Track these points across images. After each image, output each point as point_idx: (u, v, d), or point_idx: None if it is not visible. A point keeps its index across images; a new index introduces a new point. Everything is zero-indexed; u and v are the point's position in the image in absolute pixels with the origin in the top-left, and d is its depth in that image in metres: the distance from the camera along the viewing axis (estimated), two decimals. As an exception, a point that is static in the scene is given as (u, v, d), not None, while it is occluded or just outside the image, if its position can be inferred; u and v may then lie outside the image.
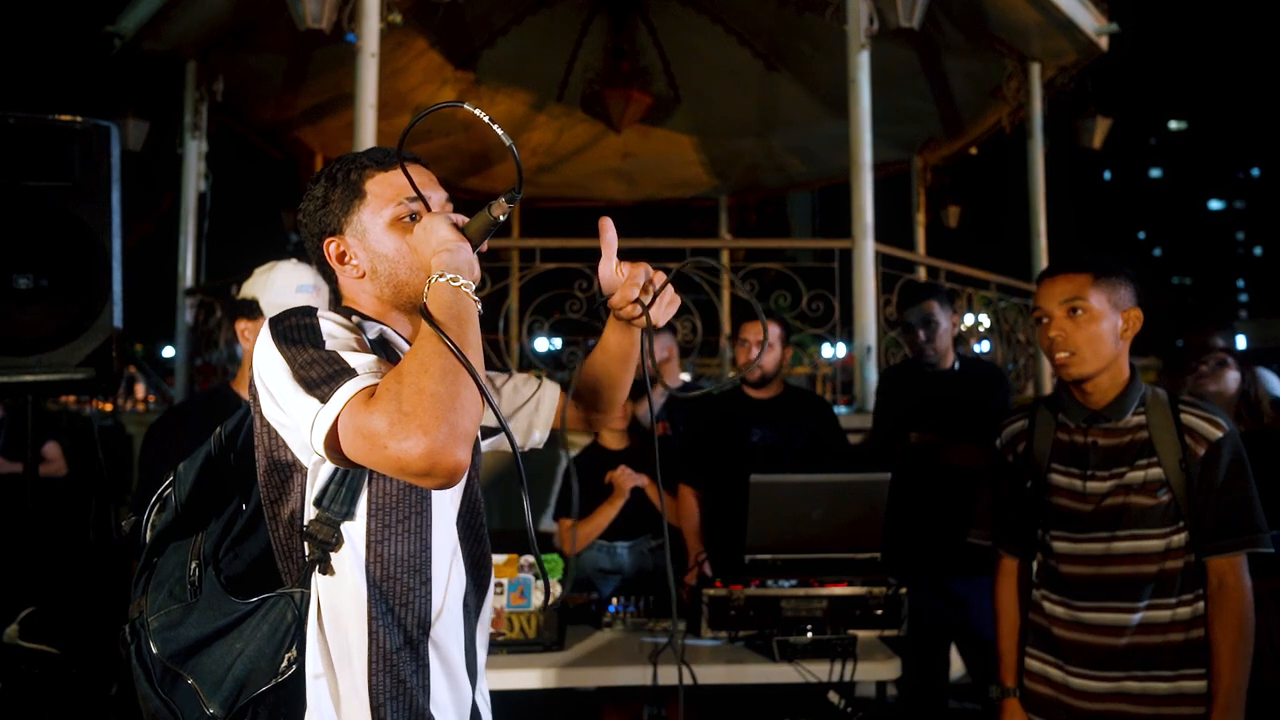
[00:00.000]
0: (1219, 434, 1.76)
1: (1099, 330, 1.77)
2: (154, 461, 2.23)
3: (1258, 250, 64.01)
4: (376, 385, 0.99)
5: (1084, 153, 6.86)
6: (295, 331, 1.08)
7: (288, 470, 1.12)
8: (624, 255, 1.33)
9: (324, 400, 0.99)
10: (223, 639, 1.13)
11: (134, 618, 1.22)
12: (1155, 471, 1.78)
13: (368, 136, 4.27)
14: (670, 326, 4.15)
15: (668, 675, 2.24)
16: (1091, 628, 1.79)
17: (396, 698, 1.09)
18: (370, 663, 1.09)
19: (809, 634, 2.32)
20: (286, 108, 6.55)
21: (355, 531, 1.11)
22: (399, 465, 0.94)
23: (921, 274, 5.68)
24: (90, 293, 1.97)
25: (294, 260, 2.09)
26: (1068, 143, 6.76)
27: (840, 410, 5.31)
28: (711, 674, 2.30)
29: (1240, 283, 63.63)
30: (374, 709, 1.08)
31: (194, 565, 1.20)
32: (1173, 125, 64.20)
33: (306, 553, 1.11)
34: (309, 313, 1.11)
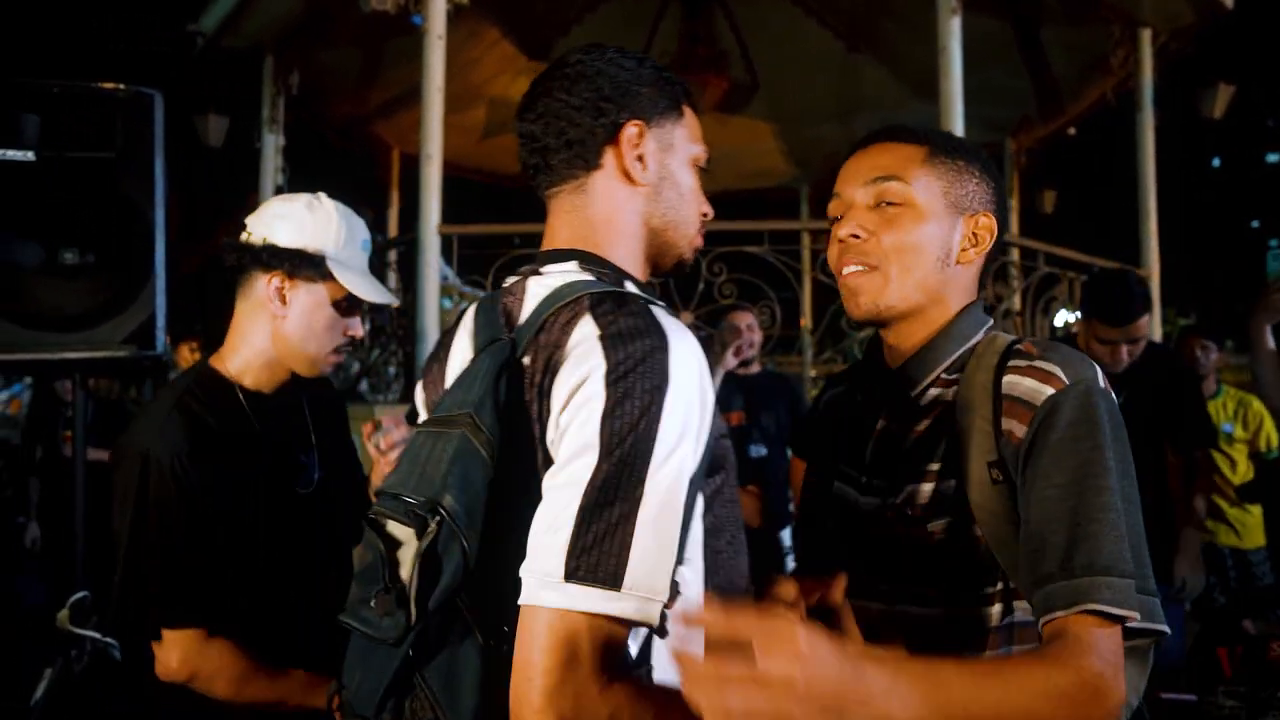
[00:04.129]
0: (1049, 391, 0.96)
1: (920, 236, 1.06)
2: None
3: (1386, 241, 59.67)
4: (623, 630, 0.79)
5: (1198, 131, 6.36)
6: (635, 380, 0.81)
7: None
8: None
9: (572, 573, 0.78)
10: None
11: None
12: (942, 487, 1.02)
13: (435, 121, 4.21)
14: (745, 308, 3.96)
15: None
16: None
17: None
18: None
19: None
20: (361, 102, 6.59)
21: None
22: None
23: (1015, 255, 5.31)
24: (134, 268, 1.91)
25: (324, 196, 1.60)
26: (1179, 119, 6.27)
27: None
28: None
29: (1366, 276, 59.46)
30: None
31: None
32: (1289, 109, 60.36)
33: None
34: (662, 346, 0.83)
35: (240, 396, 1.53)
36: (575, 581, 0.78)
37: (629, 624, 0.79)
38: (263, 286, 1.51)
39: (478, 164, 7.79)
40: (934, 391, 1.07)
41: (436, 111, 4.21)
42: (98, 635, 2.04)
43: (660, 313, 0.87)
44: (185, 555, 1.41)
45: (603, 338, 0.84)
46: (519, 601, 0.80)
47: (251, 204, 6.82)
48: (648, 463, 0.80)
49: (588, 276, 0.95)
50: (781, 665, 0.66)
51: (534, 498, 0.83)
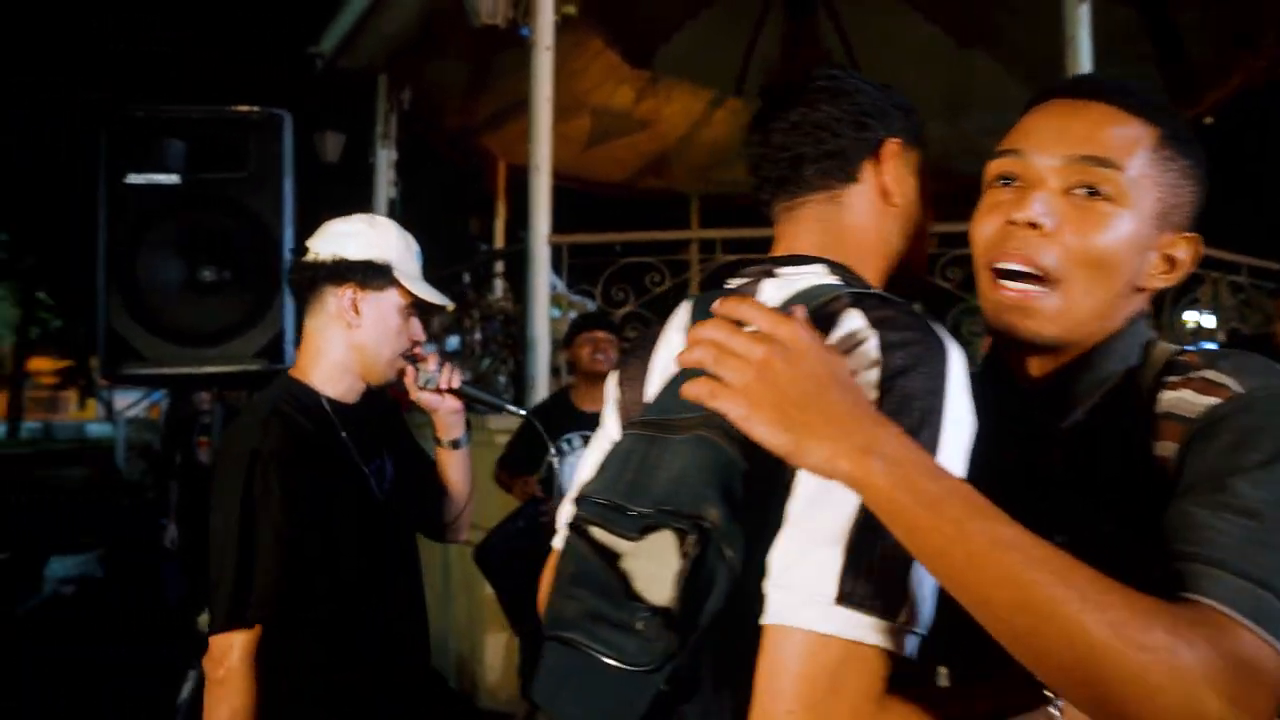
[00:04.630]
0: (1211, 402, 0.76)
1: (1118, 249, 0.83)
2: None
3: None
4: (889, 667, 0.70)
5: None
6: (914, 380, 0.74)
7: None
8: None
9: (847, 596, 0.69)
10: None
11: None
12: (1086, 541, 0.74)
13: (543, 132, 4.24)
14: None
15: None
16: None
17: None
18: None
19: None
20: (469, 115, 6.74)
21: None
22: None
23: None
24: (264, 284, 1.98)
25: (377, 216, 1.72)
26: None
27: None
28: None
29: None
30: None
31: None
32: None
33: None
34: (940, 351, 0.76)
35: (326, 405, 1.60)
36: (849, 606, 0.69)
37: (897, 660, 0.70)
38: (334, 301, 1.60)
39: (579, 173, 7.85)
40: (1081, 420, 0.86)
41: (545, 122, 4.25)
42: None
43: (928, 319, 0.80)
44: (288, 553, 1.44)
45: (873, 328, 0.77)
46: (766, 620, 0.71)
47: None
48: None
49: (837, 280, 0.87)
50: (763, 344, 0.68)
51: (780, 508, 0.75)
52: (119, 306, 1.90)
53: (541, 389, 4.08)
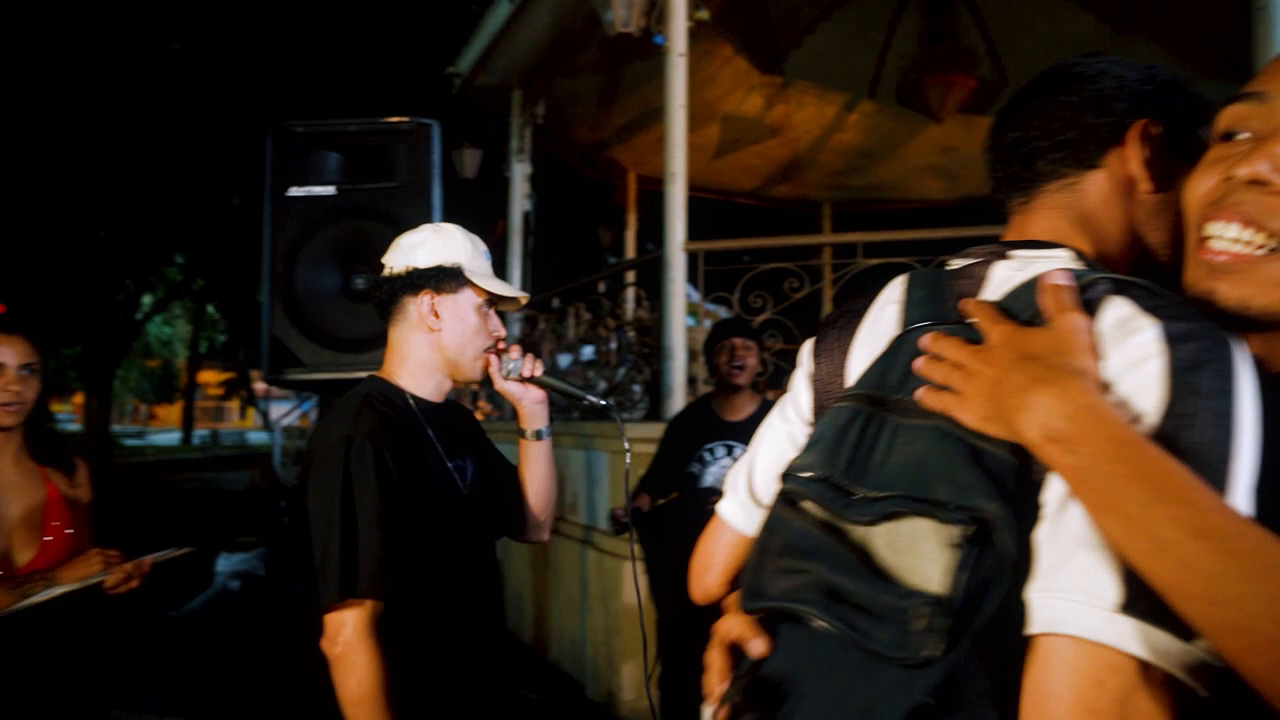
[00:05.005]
0: None
1: None
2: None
3: None
4: (1175, 692, 0.61)
5: None
6: (1202, 378, 0.64)
7: None
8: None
9: (1129, 604, 0.60)
10: None
11: None
12: None
13: (678, 139, 4.23)
14: None
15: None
16: None
17: None
18: None
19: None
20: (600, 128, 6.83)
21: None
22: None
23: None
24: (414, 291, 2.03)
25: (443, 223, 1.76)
26: None
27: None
28: None
29: None
30: None
31: None
32: None
33: None
34: (1225, 345, 0.66)
35: (412, 402, 1.65)
36: (1133, 615, 0.60)
37: (1185, 686, 0.60)
38: (414, 308, 1.65)
39: (709, 182, 7.82)
40: None
41: (680, 129, 4.23)
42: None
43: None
44: (384, 532, 1.46)
45: (1149, 316, 0.67)
46: (1038, 629, 0.63)
47: (500, 230, 7.19)
48: (1224, 483, 0.62)
49: (1083, 267, 0.78)
50: (975, 358, 0.73)
51: (1035, 505, 0.67)
52: (281, 314, 1.98)
53: (679, 398, 4.04)
